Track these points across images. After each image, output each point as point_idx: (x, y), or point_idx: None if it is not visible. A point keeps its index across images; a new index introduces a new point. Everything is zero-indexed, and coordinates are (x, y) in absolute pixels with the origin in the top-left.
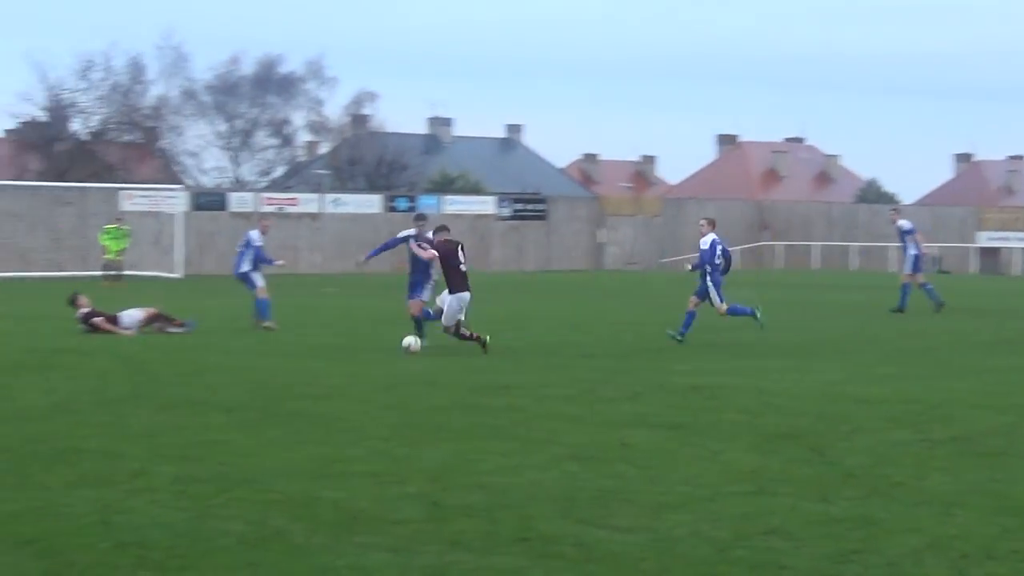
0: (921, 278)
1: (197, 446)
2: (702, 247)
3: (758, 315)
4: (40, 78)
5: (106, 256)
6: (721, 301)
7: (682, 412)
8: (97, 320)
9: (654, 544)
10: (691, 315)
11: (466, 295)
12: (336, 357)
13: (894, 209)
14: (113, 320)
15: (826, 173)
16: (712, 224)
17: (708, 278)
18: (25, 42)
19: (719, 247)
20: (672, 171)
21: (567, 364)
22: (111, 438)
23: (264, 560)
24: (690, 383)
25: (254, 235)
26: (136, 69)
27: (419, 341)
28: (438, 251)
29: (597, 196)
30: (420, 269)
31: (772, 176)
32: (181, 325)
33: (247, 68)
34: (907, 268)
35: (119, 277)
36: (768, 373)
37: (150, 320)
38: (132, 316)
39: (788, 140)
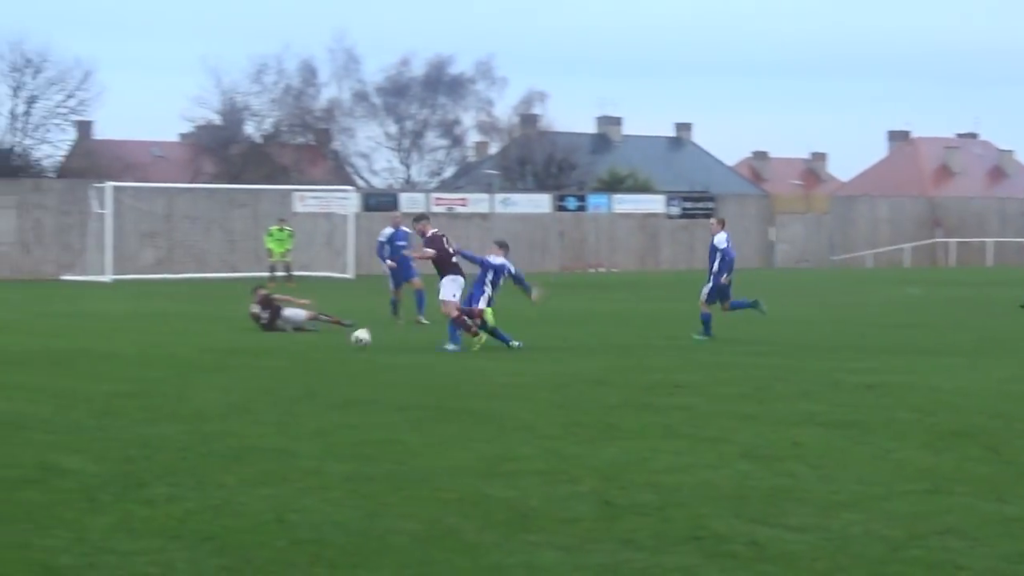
0: None
1: (370, 445)
2: (720, 245)
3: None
4: (215, 82)
5: (271, 259)
6: (708, 301)
7: (854, 410)
8: (277, 297)
9: (827, 543)
10: (744, 303)
11: (460, 278)
12: (506, 356)
13: None
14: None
15: (1000, 168)
16: (722, 223)
17: (712, 275)
18: (200, 47)
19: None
20: (842, 168)
21: (738, 362)
22: (286, 437)
23: (436, 558)
24: (862, 381)
25: (383, 232)
26: (308, 72)
27: (368, 333)
28: (433, 247)
29: (767, 194)
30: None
31: (944, 172)
32: (342, 324)
33: (417, 69)
34: None
35: (289, 278)
36: (941, 371)
37: (311, 319)
38: (295, 314)
39: (961, 136)
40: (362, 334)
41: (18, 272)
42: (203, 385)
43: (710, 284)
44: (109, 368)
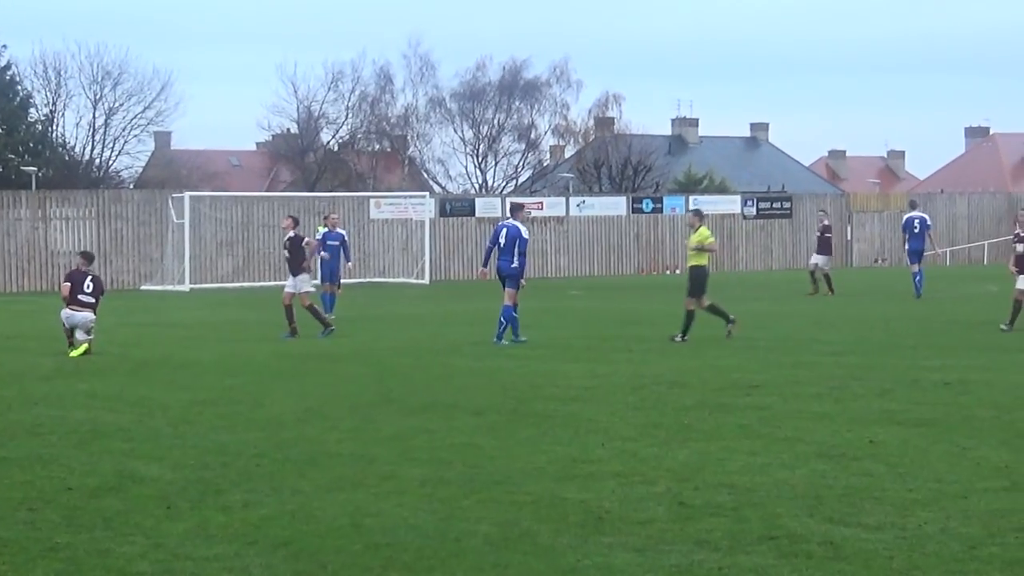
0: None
1: (446, 449)
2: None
3: None
4: (291, 91)
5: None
6: None
7: (932, 408)
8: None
9: (903, 542)
10: None
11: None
12: (583, 359)
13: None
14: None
15: None
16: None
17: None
18: (276, 56)
19: None
20: (920, 166)
21: (815, 362)
22: (362, 442)
23: (511, 561)
24: (940, 379)
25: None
26: (384, 79)
27: None
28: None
29: (844, 193)
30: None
31: None
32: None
33: (492, 74)
34: None
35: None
36: (1020, 367)
37: None
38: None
39: None
40: None
41: None
42: (280, 391)
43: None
44: (187, 376)
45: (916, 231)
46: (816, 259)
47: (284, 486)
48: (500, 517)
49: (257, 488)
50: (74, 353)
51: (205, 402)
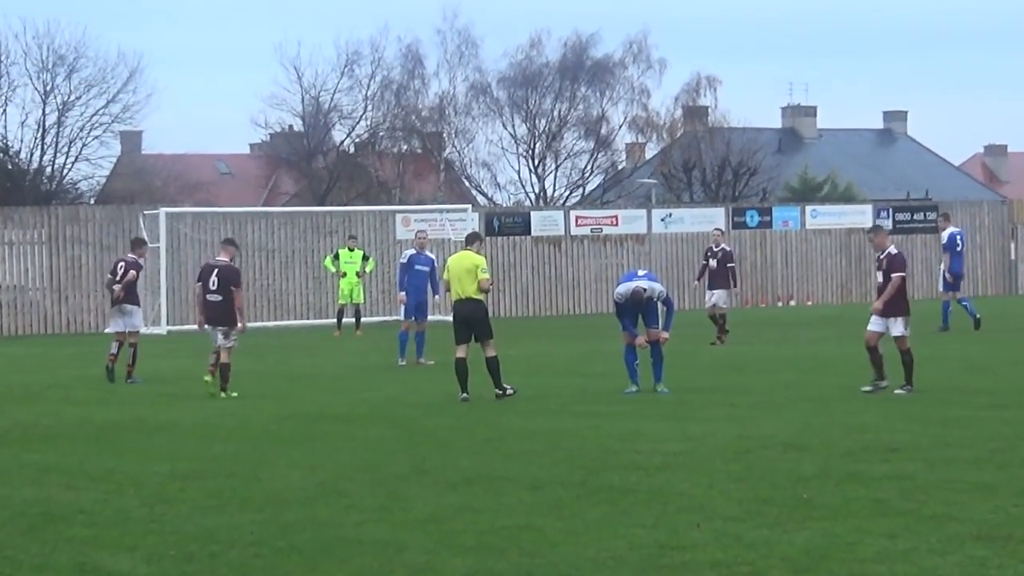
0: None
1: (496, 533)
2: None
3: None
4: (295, 78)
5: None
6: None
7: None
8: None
9: None
10: None
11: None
12: (671, 416)
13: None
14: None
15: None
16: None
17: None
18: (275, 34)
19: None
20: None
21: (971, 417)
22: (389, 525)
23: None
24: None
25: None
26: (412, 61)
27: None
28: None
29: (1006, 199)
30: None
31: None
32: None
33: (551, 53)
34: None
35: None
36: None
37: None
38: None
39: None
40: None
41: (52, 324)
42: (283, 462)
43: None
44: (165, 443)
45: (958, 250)
46: (714, 296)
47: None
48: None
49: None
50: (210, 388)
51: (188, 475)
